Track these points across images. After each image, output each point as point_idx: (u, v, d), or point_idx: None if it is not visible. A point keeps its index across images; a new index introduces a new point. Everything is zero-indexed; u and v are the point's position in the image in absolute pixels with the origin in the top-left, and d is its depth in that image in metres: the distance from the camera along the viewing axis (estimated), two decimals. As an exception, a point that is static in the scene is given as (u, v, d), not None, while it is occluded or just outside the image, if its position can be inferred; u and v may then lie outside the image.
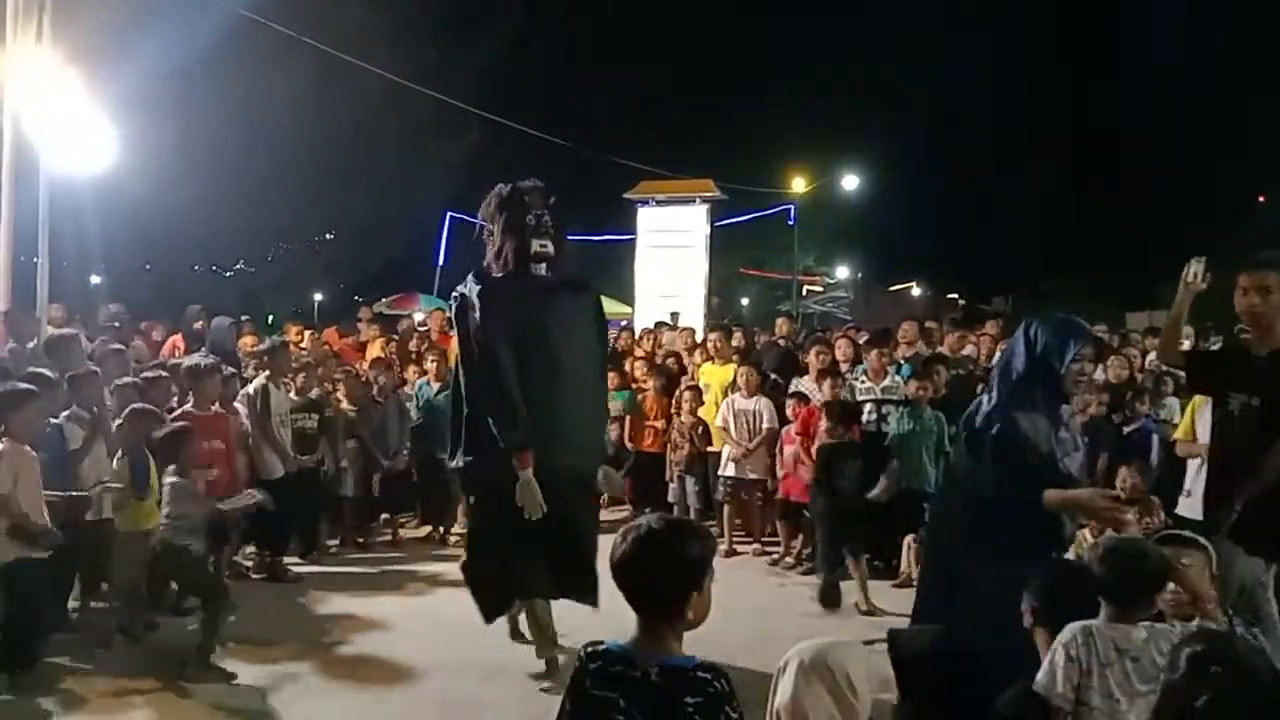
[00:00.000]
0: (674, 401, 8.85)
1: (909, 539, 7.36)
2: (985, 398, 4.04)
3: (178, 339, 9.42)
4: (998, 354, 9.42)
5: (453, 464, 5.22)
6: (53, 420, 5.58)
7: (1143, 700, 2.90)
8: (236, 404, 7.15)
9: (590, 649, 2.31)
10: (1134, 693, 2.92)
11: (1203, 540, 3.43)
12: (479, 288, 5.03)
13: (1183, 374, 5.46)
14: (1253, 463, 4.07)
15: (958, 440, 4.14)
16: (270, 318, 20.59)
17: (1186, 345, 8.34)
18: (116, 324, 9.52)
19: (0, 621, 4.81)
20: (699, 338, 10.54)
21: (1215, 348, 7.69)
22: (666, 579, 2.22)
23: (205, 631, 5.27)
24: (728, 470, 8.20)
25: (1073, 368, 3.85)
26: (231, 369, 7.59)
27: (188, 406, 6.60)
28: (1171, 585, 3.15)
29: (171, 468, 5.46)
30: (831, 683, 2.37)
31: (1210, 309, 6.16)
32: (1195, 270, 4.32)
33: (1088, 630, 3.03)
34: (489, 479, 4.97)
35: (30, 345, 7.44)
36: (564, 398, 4.98)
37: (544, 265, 5.15)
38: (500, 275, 5.13)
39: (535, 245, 5.11)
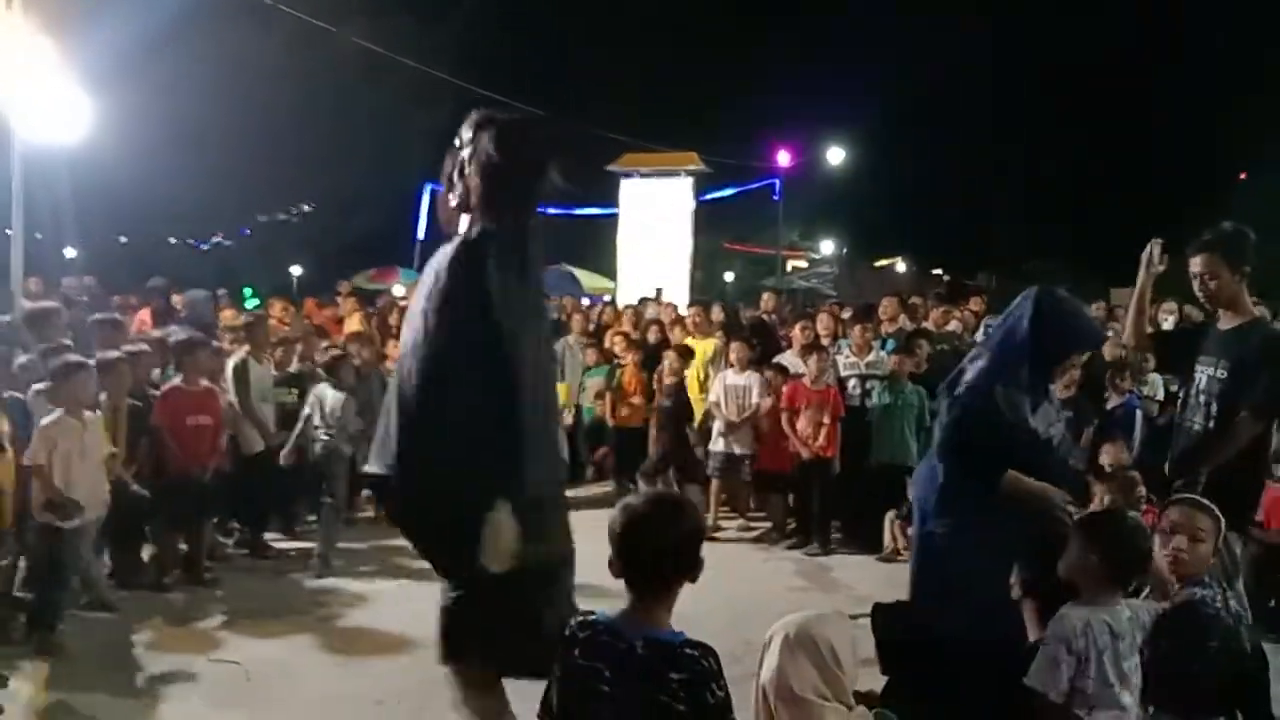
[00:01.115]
0: (655, 375, 8.79)
1: (890, 514, 7.39)
2: (972, 363, 3.97)
3: (145, 313, 9.26)
4: (986, 322, 9.51)
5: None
6: (16, 394, 5.54)
7: (1134, 678, 2.90)
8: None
9: (580, 619, 2.32)
10: (1123, 674, 2.91)
11: (1213, 507, 3.34)
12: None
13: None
14: (1217, 432, 4.15)
15: (940, 402, 4.09)
16: (248, 291, 20.39)
17: (1170, 322, 8.43)
18: (85, 297, 9.33)
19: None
20: (682, 312, 10.50)
21: (1181, 326, 7.75)
22: (663, 555, 2.22)
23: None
24: (717, 445, 8.20)
25: (1067, 364, 3.82)
26: (216, 342, 7.50)
27: (176, 381, 6.51)
28: (1176, 541, 3.11)
29: None
30: (816, 655, 2.38)
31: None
32: (1153, 252, 4.34)
33: (1084, 620, 2.92)
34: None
35: (5, 318, 7.34)
36: None
37: None
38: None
39: None
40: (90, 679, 4.82)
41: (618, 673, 2.21)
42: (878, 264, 41.92)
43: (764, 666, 2.44)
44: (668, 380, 8.44)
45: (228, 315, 9.37)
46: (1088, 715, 2.85)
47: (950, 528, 3.75)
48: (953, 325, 9.41)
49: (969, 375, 3.87)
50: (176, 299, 9.91)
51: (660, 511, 2.26)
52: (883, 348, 8.22)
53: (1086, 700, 2.86)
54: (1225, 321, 4.25)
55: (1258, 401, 4.06)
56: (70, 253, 22.91)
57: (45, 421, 5.18)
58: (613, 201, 16.22)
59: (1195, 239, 4.24)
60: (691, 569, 2.24)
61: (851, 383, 7.94)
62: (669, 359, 8.51)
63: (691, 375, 8.67)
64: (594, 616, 2.31)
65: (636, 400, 8.94)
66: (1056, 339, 3.79)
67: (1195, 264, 4.20)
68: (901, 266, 42.15)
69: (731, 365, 8.27)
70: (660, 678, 2.15)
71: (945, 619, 3.58)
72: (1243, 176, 32.43)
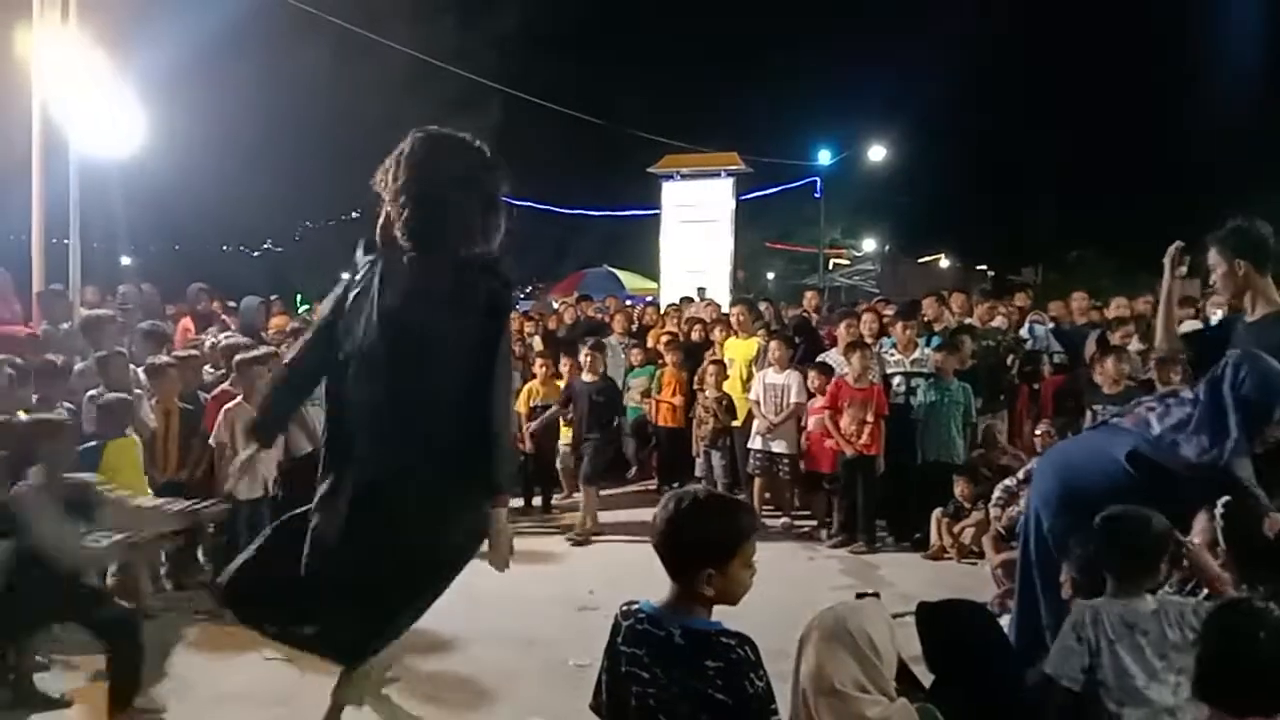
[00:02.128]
0: (697, 377, 8.84)
1: (937, 512, 7.34)
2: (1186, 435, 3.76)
3: (188, 321, 9.41)
4: (1032, 319, 9.38)
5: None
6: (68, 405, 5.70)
7: (1165, 675, 2.87)
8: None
9: (626, 607, 2.38)
10: (1151, 669, 2.90)
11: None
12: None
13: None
14: None
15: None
16: (299, 297, 20.72)
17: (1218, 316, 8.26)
18: (127, 305, 9.40)
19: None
20: (724, 311, 10.50)
21: (1210, 324, 7.58)
22: (682, 551, 2.27)
23: None
24: (755, 444, 8.20)
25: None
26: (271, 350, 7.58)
27: (225, 386, 6.59)
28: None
29: None
30: (854, 647, 2.38)
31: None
32: (1174, 255, 4.28)
33: (1094, 610, 3.01)
34: None
35: (64, 327, 7.53)
36: None
37: None
38: None
39: None
40: (150, 677, 4.94)
41: (657, 660, 2.26)
42: (921, 260, 41.52)
43: (802, 662, 2.44)
44: (710, 393, 8.48)
45: (278, 321, 9.51)
46: (1118, 709, 2.86)
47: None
48: (998, 321, 9.32)
49: (1188, 453, 3.70)
50: (214, 305, 10.01)
51: (703, 505, 2.28)
52: (927, 345, 8.17)
53: (1111, 693, 2.89)
54: (1252, 314, 4.15)
55: None
56: (126, 261, 23.46)
57: (228, 406, 6.04)
58: (654, 203, 16.25)
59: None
60: (727, 561, 2.25)
61: (896, 380, 7.91)
62: (711, 376, 8.53)
63: (734, 374, 8.68)
64: (638, 605, 2.35)
65: (676, 400, 8.97)
66: (1264, 408, 3.68)
67: (1209, 260, 4.15)
68: (945, 262, 41.73)
69: (770, 365, 8.28)
70: (697, 666, 2.19)
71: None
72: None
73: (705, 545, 2.25)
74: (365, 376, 3.45)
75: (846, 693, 2.33)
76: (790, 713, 2.44)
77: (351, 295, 3.60)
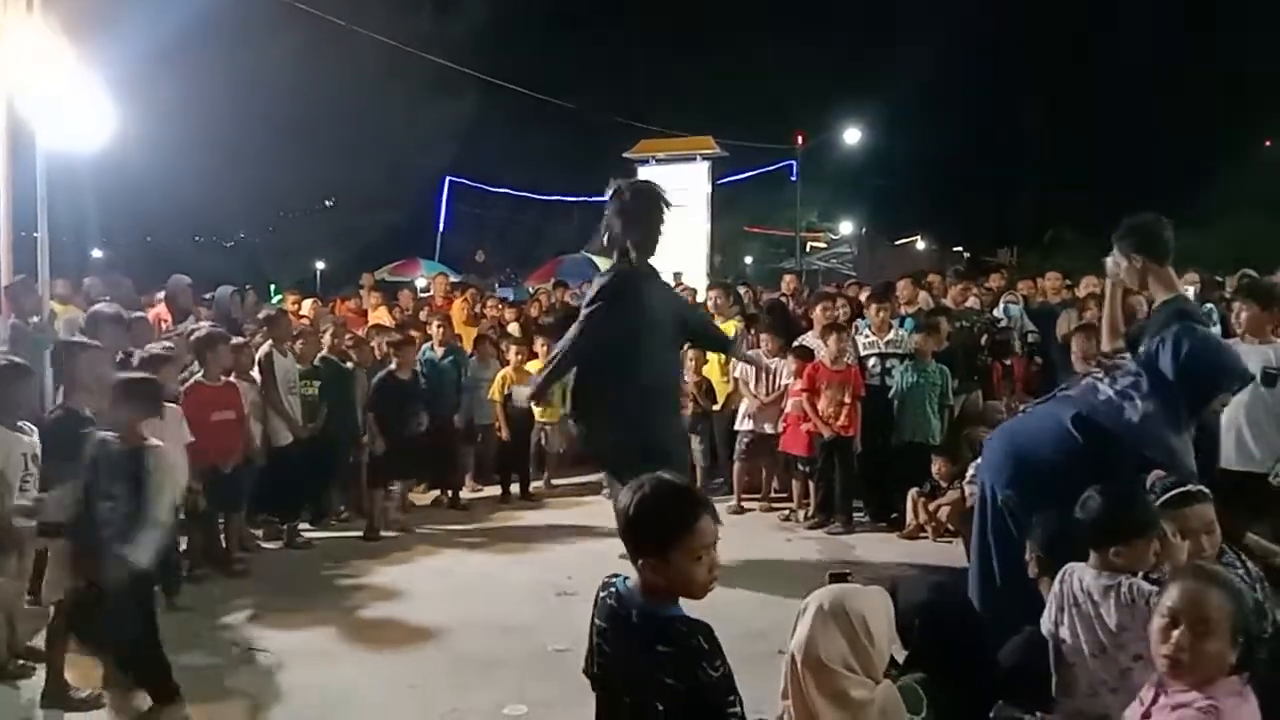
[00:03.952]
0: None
1: (913, 491, 7.41)
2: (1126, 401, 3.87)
3: (162, 310, 9.31)
4: (1007, 300, 9.48)
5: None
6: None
7: (1115, 654, 2.92)
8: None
9: (606, 579, 2.41)
10: (1099, 644, 2.97)
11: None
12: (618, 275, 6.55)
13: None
14: None
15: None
16: (272, 286, 20.57)
17: (1190, 294, 8.39)
18: (108, 296, 9.26)
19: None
20: (699, 297, 10.52)
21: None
22: (629, 539, 2.29)
23: None
24: (745, 425, 8.24)
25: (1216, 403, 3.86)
26: (242, 338, 7.57)
27: (198, 377, 6.60)
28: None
29: None
30: (849, 629, 2.38)
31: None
32: (1110, 268, 4.49)
33: (1068, 571, 3.11)
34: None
35: (33, 320, 7.44)
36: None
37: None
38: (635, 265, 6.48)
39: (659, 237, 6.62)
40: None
41: (617, 637, 2.31)
42: (897, 242, 41.71)
43: (796, 632, 2.45)
44: (690, 378, 8.48)
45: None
46: (1069, 670, 3.01)
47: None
48: (971, 302, 9.38)
49: (1130, 416, 3.81)
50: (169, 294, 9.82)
51: (646, 496, 2.27)
52: (901, 325, 8.22)
53: (1066, 653, 3.03)
54: (1156, 302, 4.43)
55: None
56: (97, 253, 23.20)
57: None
58: (631, 188, 16.23)
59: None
60: (664, 554, 2.23)
61: (871, 361, 7.95)
62: (690, 360, 8.48)
63: (713, 358, 8.70)
64: (615, 580, 2.38)
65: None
66: (1207, 381, 3.86)
67: (1110, 255, 4.46)
68: (921, 244, 41.93)
69: (754, 348, 8.31)
70: (649, 648, 2.20)
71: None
72: (1268, 143, 31.95)
73: (642, 536, 2.26)
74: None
75: (832, 669, 2.35)
76: (782, 684, 2.46)
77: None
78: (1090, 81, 35.95)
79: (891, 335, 8.02)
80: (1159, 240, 4.27)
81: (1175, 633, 2.29)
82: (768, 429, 8.14)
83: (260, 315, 8.39)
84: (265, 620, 5.63)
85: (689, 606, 2.29)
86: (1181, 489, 3.25)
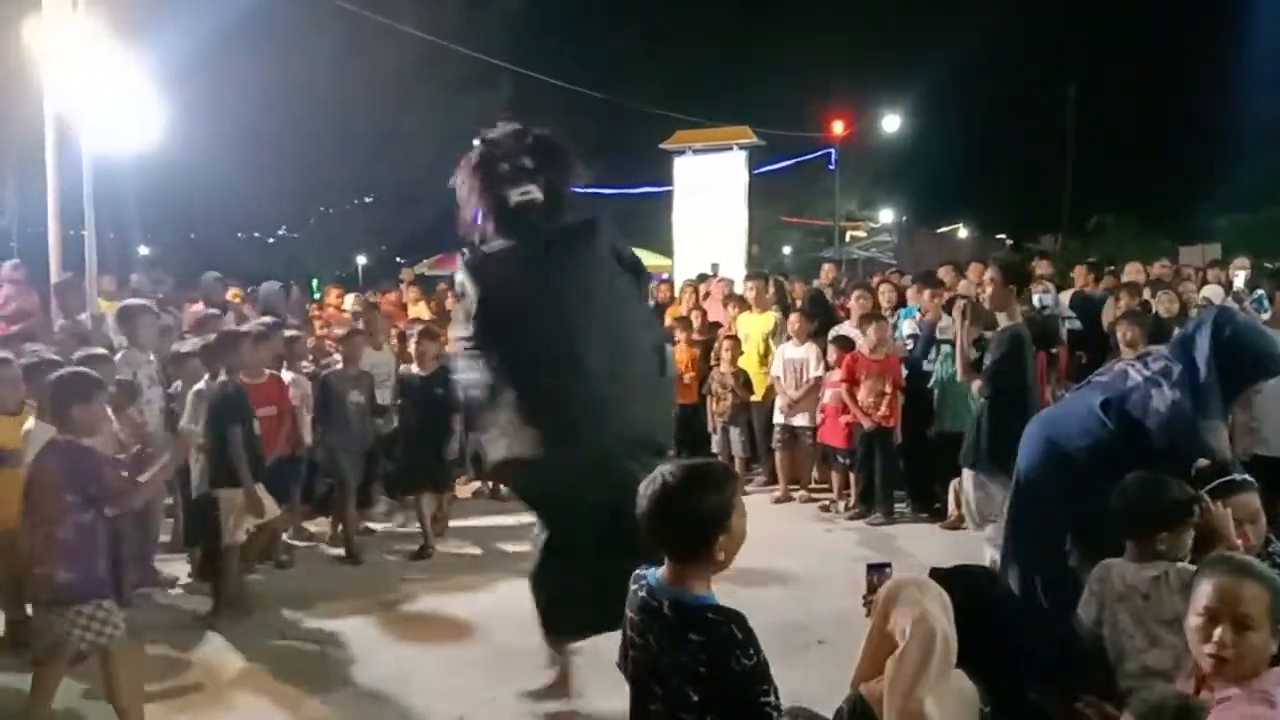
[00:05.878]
0: (713, 353, 8.83)
1: (954, 482, 7.32)
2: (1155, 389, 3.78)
3: (198, 308, 9.41)
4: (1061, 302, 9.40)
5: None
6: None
7: (1166, 643, 2.86)
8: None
9: (638, 572, 2.40)
10: (1153, 635, 2.90)
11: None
12: (465, 267, 4.40)
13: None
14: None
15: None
16: (314, 281, 20.81)
17: (1241, 279, 8.29)
18: (160, 294, 9.41)
19: None
20: (737, 289, 10.45)
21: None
22: (684, 529, 2.25)
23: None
24: (778, 419, 8.24)
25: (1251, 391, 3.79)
26: (293, 330, 7.57)
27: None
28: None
29: None
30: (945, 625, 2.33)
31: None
32: (963, 309, 5.73)
33: (1106, 567, 3.05)
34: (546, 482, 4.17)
35: (81, 317, 7.58)
36: (599, 372, 4.09)
37: (532, 215, 4.33)
38: (486, 246, 4.42)
39: (515, 196, 4.32)
40: (165, 656, 5.03)
41: (650, 628, 2.30)
42: (939, 230, 41.21)
43: (912, 604, 2.34)
44: (726, 369, 8.50)
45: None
46: (1114, 665, 2.92)
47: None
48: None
49: (1158, 404, 3.73)
50: (232, 293, 10.02)
51: (685, 481, 2.25)
52: (947, 313, 8.12)
53: (1110, 649, 2.97)
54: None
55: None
56: (143, 250, 23.61)
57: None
58: (666, 180, 16.15)
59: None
60: (718, 534, 2.23)
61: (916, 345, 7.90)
62: (726, 351, 8.57)
63: (750, 349, 8.67)
64: (644, 573, 2.38)
65: (687, 378, 8.92)
66: (1250, 367, 3.76)
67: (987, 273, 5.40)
68: (964, 232, 41.39)
69: (790, 338, 8.27)
70: (682, 639, 2.20)
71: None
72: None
73: (703, 520, 2.23)
74: None
75: (931, 626, 2.29)
76: (817, 685, 2.42)
77: None
78: (1133, 66, 35.25)
79: (943, 321, 7.91)
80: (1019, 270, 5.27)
81: (1216, 630, 2.24)
82: (796, 421, 8.14)
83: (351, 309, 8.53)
84: (308, 610, 5.71)
85: (723, 595, 2.28)
86: (1227, 478, 3.18)
